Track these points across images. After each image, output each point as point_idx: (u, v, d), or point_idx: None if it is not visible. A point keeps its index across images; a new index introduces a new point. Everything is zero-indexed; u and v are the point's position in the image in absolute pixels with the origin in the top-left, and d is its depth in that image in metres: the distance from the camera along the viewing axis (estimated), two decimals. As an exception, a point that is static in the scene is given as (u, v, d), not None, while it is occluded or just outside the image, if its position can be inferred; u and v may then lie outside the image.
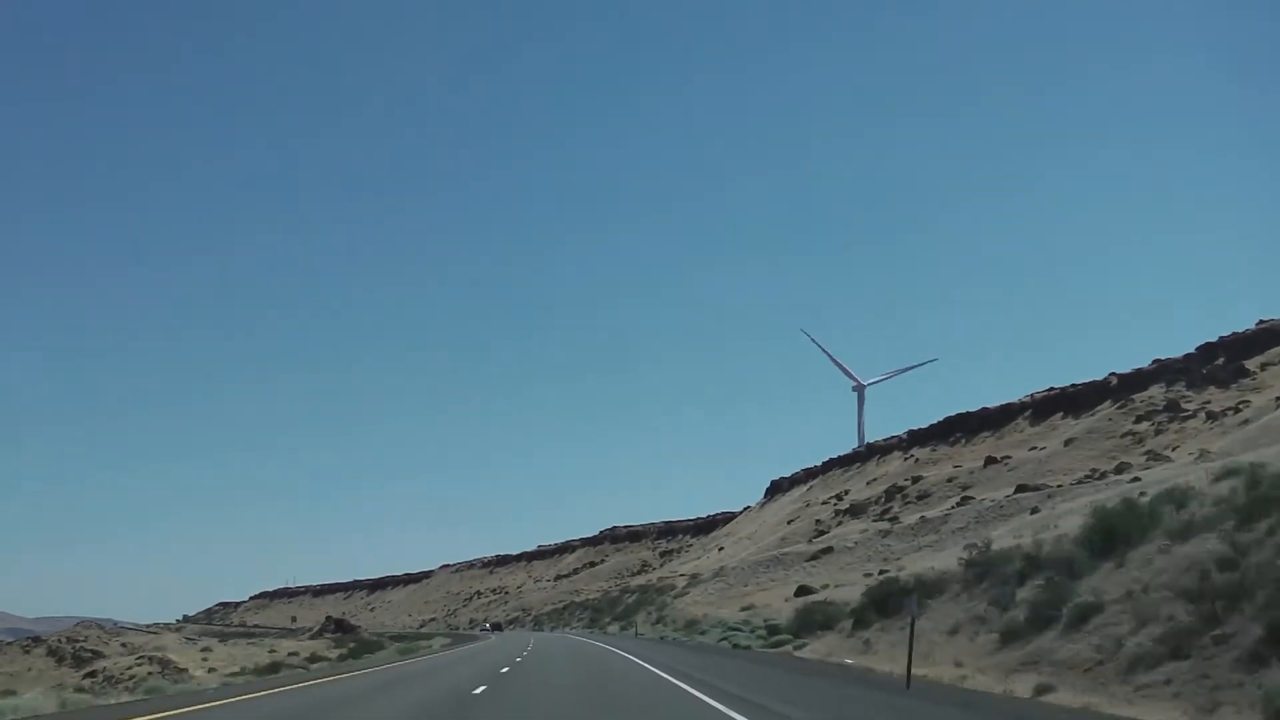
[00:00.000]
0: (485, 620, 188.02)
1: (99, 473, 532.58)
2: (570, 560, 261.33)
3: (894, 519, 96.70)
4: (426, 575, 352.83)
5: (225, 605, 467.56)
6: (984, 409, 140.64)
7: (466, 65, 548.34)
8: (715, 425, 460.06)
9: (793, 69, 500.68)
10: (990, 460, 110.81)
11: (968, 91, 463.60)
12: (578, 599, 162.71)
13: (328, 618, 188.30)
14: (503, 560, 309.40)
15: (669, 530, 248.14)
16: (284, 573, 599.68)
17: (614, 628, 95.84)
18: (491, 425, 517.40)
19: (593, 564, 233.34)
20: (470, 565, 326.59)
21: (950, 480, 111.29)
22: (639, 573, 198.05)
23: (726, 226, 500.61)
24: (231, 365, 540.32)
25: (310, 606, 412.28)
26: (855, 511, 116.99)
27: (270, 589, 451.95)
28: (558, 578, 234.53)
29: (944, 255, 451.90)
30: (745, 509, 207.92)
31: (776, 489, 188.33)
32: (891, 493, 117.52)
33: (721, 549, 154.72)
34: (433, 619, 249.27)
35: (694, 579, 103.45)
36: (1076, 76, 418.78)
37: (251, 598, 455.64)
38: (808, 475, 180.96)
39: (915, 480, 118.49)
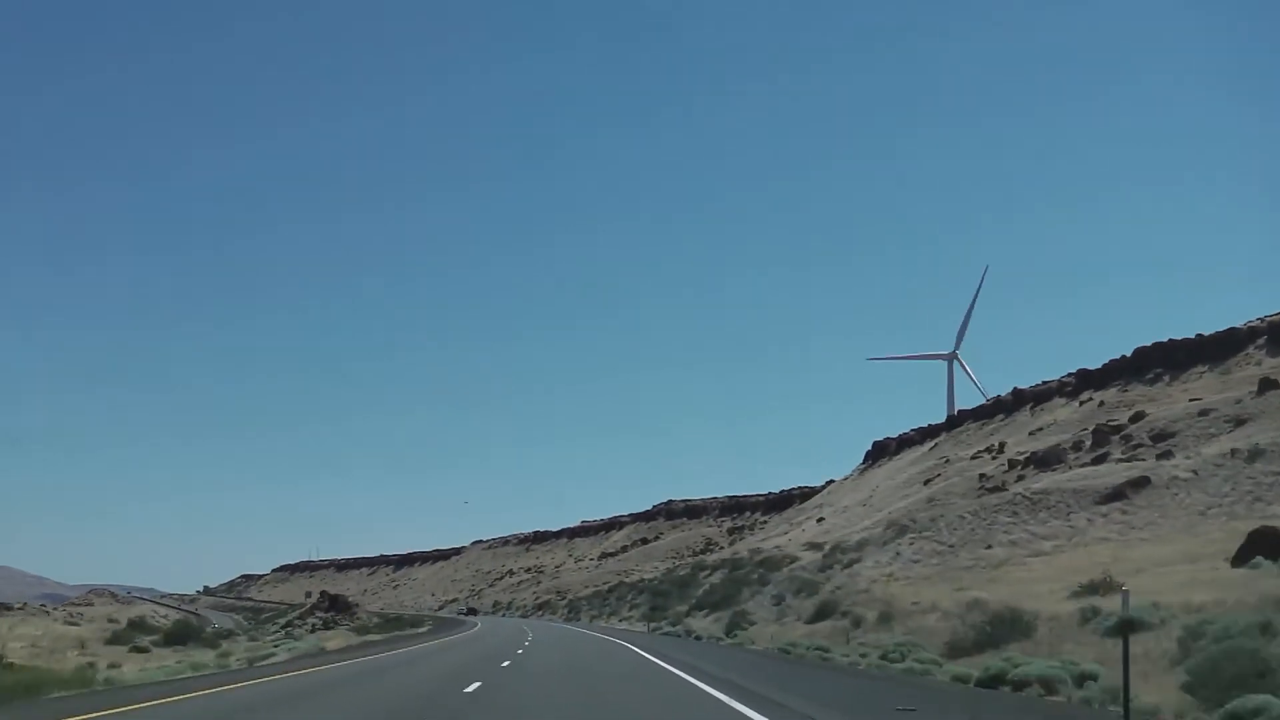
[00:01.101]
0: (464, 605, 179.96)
1: (145, 443, 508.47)
2: (618, 537, 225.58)
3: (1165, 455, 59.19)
4: (456, 552, 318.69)
5: (248, 577, 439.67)
6: (1198, 336, 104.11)
7: (496, 57, 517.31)
8: (763, 407, 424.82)
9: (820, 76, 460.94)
10: (1269, 384, 73.09)
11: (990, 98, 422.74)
12: (628, 579, 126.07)
13: (321, 594, 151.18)
14: (540, 537, 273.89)
15: (735, 506, 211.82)
16: (322, 546, 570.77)
17: (702, 621, 58.54)
18: (534, 401, 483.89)
19: (645, 541, 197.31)
20: (504, 541, 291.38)
21: (1204, 414, 73.77)
22: (704, 551, 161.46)
23: (790, 211, 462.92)
24: (273, 342, 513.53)
25: (331, 581, 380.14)
26: (1045, 461, 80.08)
27: (292, 562, 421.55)
28: (603, 556, 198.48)
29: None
30: (828, 482, 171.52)
31: (881, 451, 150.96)
32: (1103, 434, 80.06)
33: (821, 520, 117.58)
34: (453, 599, 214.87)
35: (837, 548, 66.25)
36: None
37: (273, 570, 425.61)
38: (923, 435, 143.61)
39: (1137, 418, 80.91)
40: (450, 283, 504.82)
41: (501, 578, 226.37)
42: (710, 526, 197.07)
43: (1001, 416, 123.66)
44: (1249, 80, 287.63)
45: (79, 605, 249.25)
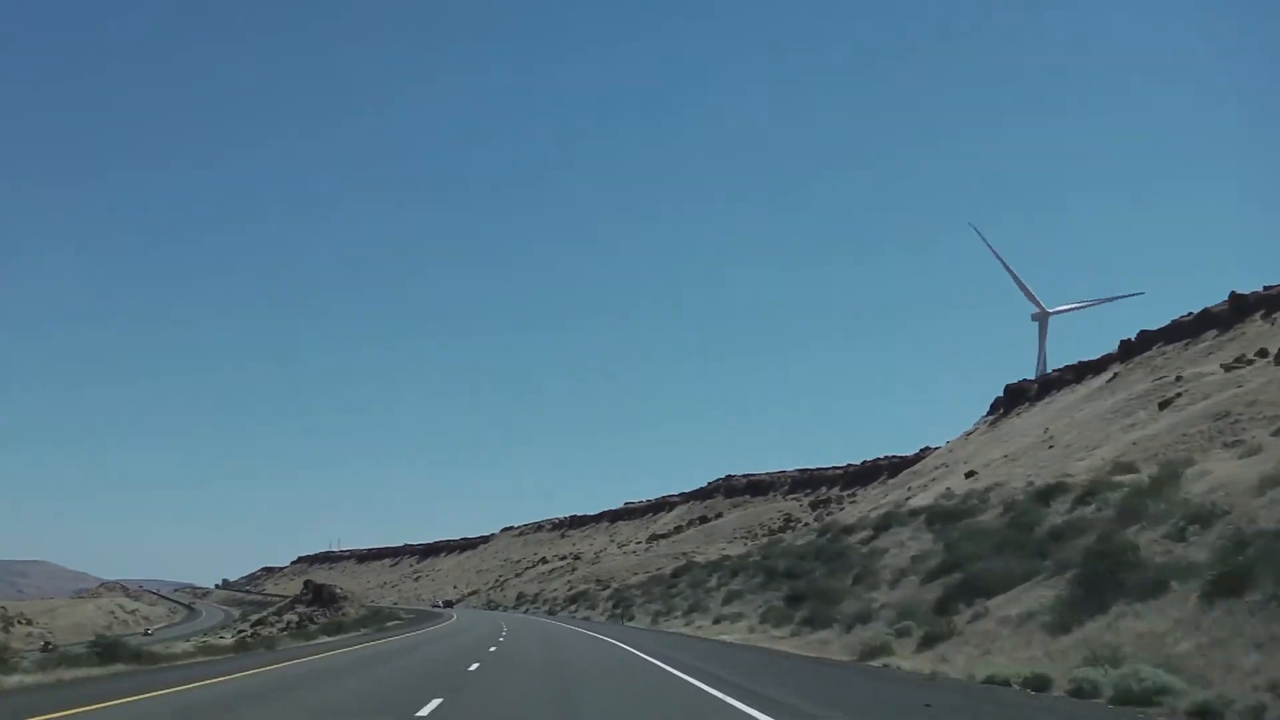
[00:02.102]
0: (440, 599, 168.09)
1: (177, 440, 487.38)
2: (669, 518, 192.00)
3: None
4: (484, 540, 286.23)
5: (269, 570, 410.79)
6: None
7: (500, 61, 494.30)
8: (799, 389, 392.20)
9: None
10: None
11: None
12: (697, 559, 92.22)
13: (305, 584, 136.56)
14: (578, 521, 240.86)
15: (808, 480, 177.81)
16: (348, 537, 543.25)
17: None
18: (565, 387, 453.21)
19: (704, 519, 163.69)
20: (537, 527, 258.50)
21: None
22: (783, 529, 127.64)
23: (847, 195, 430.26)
24: (297, 334, 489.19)
25: (352, 573, 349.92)
26: None
27: (312, 553, 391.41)
28: (653, 538, 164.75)
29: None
30: (940, 446, 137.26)
31: (1018, 397, 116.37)
32: None
33: (972, 474, 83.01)
34: (474, 591, 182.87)
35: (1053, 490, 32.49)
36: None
37: (292, 562, 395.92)
38: (1077, 373, 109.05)
39: None
40: (481, 271, 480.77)
41: (531, 566, 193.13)
42: (784, 501, 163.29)
43: (1215, 332, 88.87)
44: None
45: (86, 599, 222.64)
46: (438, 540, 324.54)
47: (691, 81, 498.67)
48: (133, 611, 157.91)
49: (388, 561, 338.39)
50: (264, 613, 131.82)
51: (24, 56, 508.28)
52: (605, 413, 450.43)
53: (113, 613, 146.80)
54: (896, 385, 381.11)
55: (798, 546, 54.03)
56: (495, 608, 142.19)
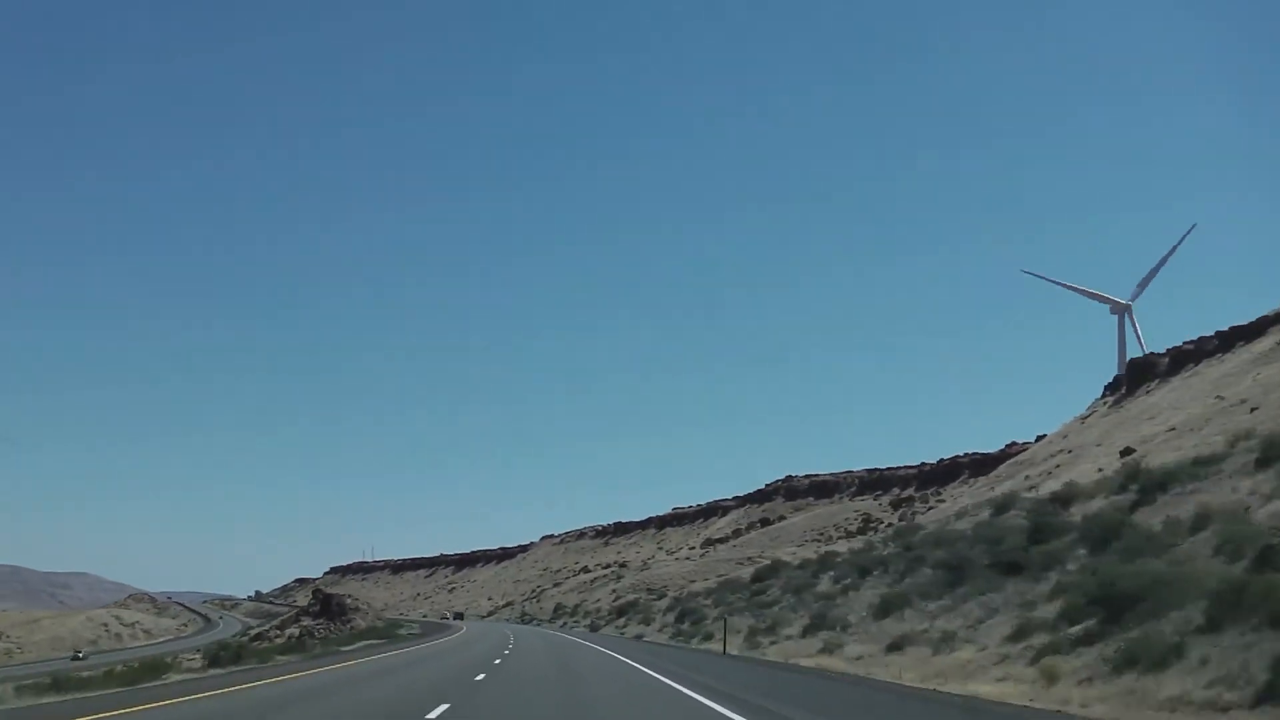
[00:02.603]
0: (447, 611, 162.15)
1: (214, 443, 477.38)
2: (723, 523, 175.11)
3: None
4: (523, 550, 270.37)
5: (302, 581, 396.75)
6: None
7: (506, 67, 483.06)
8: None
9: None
10: None
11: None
12: (769, 558, 75.34)
13: (315, 593, 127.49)
14: (622, 528, 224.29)
15: (879, 481, 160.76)
16: (383, 547, 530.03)
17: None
18: (603, 394, 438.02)
19: (766, 522, 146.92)
20: (578, 535, 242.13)
21: None
22: (862, 530, 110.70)
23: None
24: (340, 342, 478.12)
25: (385, 584, 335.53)
26: None
27: (345, 563, 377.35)
28: (708, 544, 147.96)
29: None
30: (1037, 438, 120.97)
31: (1145, 372, 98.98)
32: None
33: (1130, 451, 65.93)
34: (507, 603, 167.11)
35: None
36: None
37: (325, 573, 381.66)
38: (1223, 340, 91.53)
39: None
40: (523, 275, 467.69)
41: (572, 575, 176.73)
42: (852, 502, 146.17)
43: None
44: None
45: (76, 611, 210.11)
46: (474, 550, 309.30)
47: (745, 83, 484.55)
48: (132, 624, 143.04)
49: (422, 572, 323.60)
50: (267, 625, 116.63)
51: (64, 54, 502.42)
52: (647, 418, 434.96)
53: (105, 625, 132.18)
54: (947, 388, 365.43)
55: (953, 531, 37.25)
56: (529, 621, 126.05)
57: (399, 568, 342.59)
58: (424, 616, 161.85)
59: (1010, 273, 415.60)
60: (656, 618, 64.21)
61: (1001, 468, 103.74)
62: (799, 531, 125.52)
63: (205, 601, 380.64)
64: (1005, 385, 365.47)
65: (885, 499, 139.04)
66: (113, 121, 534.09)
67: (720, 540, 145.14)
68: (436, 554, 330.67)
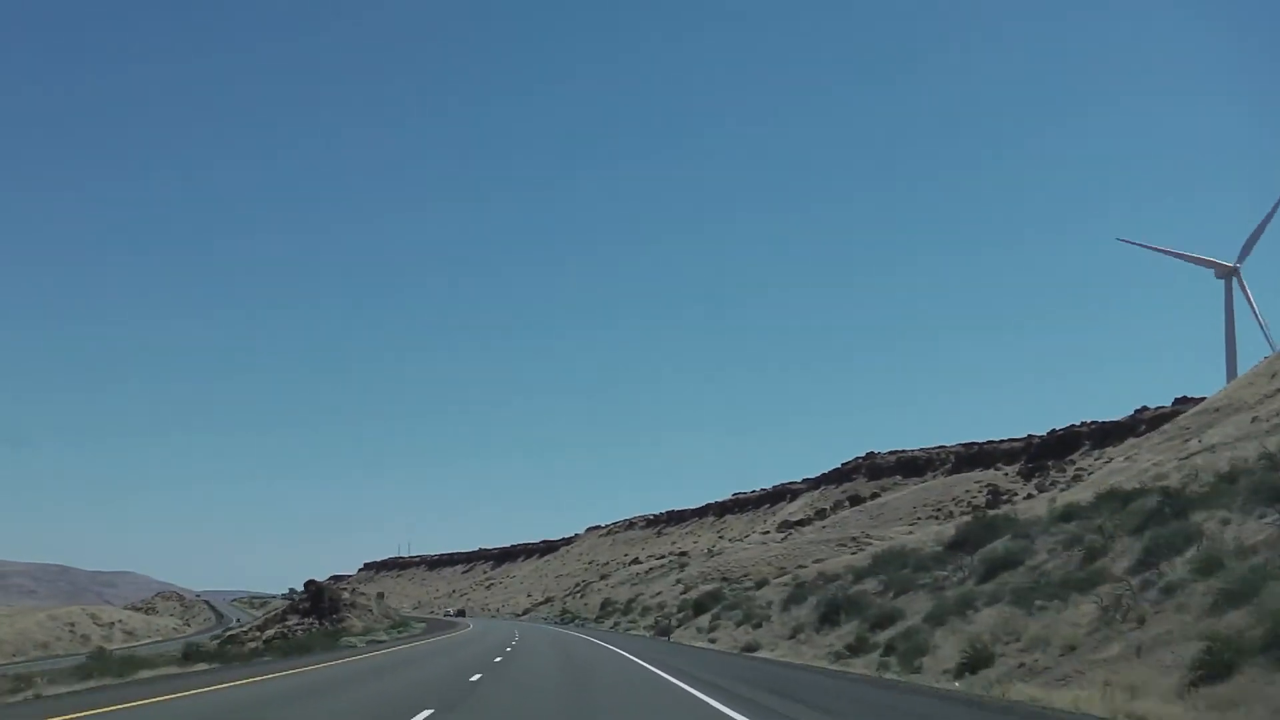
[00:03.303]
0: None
1: (254, 443, 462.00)
2: (795, 506, 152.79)
3: None
4: (567, 542, 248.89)
5: (337, 578, 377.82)
6: None
7: (515, 75, 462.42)
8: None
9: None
10: None
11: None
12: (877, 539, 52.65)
13: (307, 585, 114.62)
14: (677, 517, 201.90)
15: (979, 456, 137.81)
16: (422, 542, 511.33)
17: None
18: (643, 389, 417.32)
19: (856, 500, 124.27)
20: (627, 525, 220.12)
21: None
22: (991, 504, 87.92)
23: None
24: (386, 338, 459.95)
25: (420, 581, 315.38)
26: None
27: (379, 559, 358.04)
28: (785, 527, 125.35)
29: None
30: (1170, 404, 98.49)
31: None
32: None
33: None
34: (547, 599, 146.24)
35: None
36: None
37: (359, 570, 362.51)
38: None
39: None
40: (563, 267, 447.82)
41: (622, 566, 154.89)
42: (958, 476, 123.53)
43: None
44: None
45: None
46: (514, 544, 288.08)
47: (761, 86, 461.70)
48: (110, 624, 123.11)
49: (460, 568, 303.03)
50: (246, 625, 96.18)
51: (71, 51, 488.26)
52: (689, 408, 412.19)
53: (72, 625, 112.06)
54: (1028, 363, 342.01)
55: None
56: (569, 621, 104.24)
57: (435, 563, 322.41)
58: (432, 614, 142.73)
59: (1103, 243, 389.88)
60: (773, 616, 41.48)
61: (1185, 418, 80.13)
62: (909, 508, 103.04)
63: (233, 601, 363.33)
64: (1097, 358, 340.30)
65: (997, 472, 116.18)
66: (135, 122, 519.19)
67: (800, 523, 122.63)
68: (475, 549, 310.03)
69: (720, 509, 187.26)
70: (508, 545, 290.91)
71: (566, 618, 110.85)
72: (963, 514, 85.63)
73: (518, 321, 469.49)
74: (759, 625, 41.25)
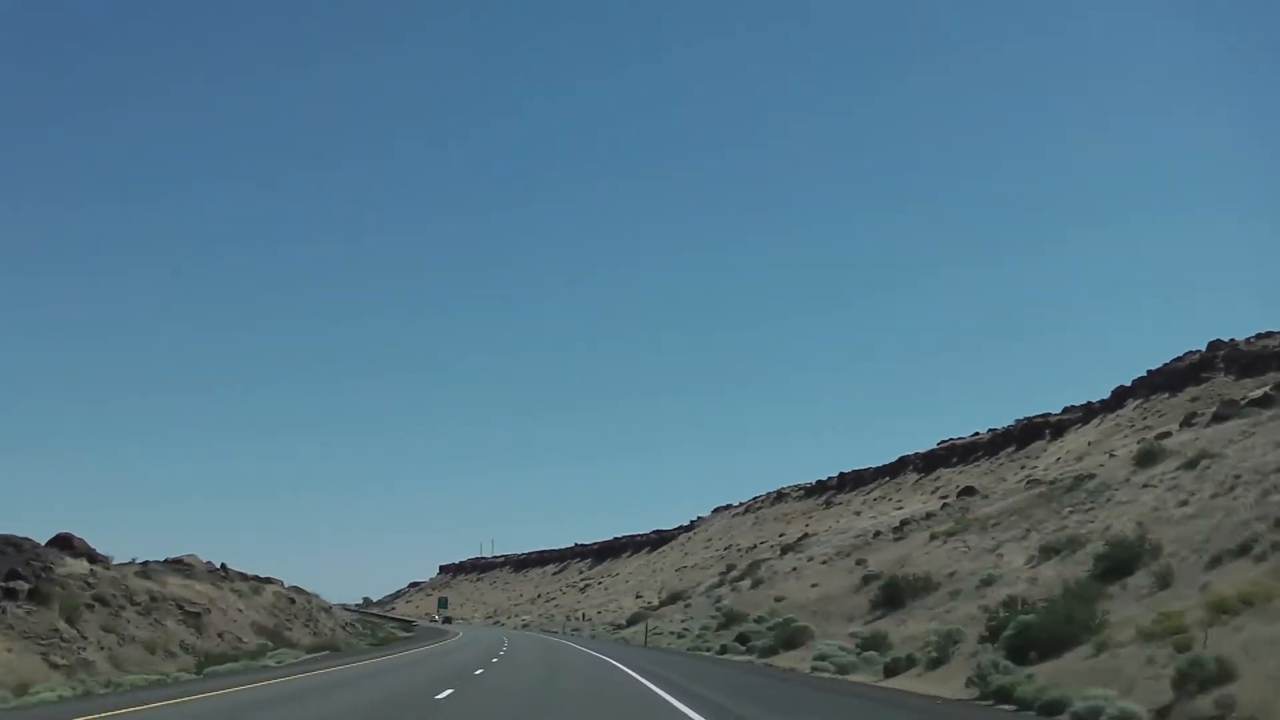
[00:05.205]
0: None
1: (346, 442, 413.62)
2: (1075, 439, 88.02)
3: None
4: (686, 529, 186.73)
5: (415, 585, 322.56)
6: None
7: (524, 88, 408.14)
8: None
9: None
10: None
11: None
12: None
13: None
14: (855, 480, 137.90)
15: None
16: (506, 540, 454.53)
17: None
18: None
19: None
20: (774, 498, 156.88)
21: None
22: None
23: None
24: (489, 338, 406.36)
25: (502, 584, 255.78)
26: None
27: (457, 561, 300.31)
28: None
29: None
30: None
31: None
32: None
33: None
34: (654, 604, 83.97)
35: None
36: None
37: (436, 574, 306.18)
38: None
39: None
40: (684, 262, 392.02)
41: (790, 548, 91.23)
42: None
43: None
44: None
45: None
46: (617, 537, 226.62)
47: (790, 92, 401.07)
48: None
49: (550, 568, 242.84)
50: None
51: (104, 67, 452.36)
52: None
53: None
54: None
55: None
56: (717, 653, 42.91)
57: (521, 564, 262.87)
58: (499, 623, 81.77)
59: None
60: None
61: None
62: None
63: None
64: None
65: None
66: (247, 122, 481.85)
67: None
68: (571, 544, 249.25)
69: (927, 461, 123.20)
70: (607, 539, 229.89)
71: (710, 643, 48.98)
72: None
73: (624, 311, 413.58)
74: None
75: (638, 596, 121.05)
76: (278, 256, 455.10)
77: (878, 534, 75.73)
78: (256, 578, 54.19)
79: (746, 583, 68.17)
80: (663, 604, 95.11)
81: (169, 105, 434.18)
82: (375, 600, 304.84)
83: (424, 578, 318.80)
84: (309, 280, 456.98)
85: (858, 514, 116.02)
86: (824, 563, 70.06)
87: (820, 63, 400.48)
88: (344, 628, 61.02)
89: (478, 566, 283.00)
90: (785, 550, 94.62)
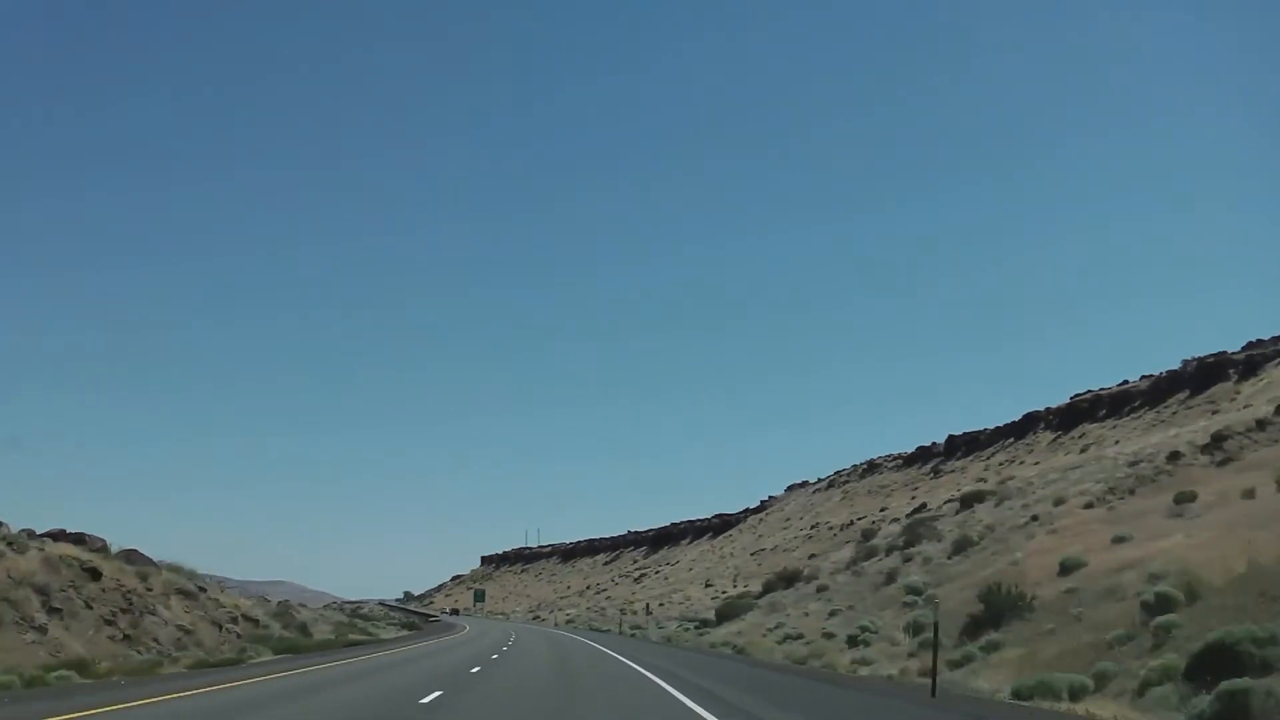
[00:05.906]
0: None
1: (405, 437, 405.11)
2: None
3: None
4: (757, 510, 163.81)
5: (458, 578, 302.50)
6: None
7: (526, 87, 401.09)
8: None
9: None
10: None
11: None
12: None
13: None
14: (969, 442, 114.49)
15: None
16: (553, 529, 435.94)
17: None
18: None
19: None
20: (865, 469, 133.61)
21: None
22: None
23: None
24: (543, 329, 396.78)
25: (548, 576, 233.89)
26: None
27: (500, 551, 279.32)
28: None
29: None
30: None
31: None
32: None
33: None
34: (728, 593, 61.07)
35: None
36: None
37: (477, 565, 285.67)
38: None
39: None
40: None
41: (872, 527, 67.83)
42: None
43: None
44: None
45: None
46: (675, 523, 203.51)
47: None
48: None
49: (601, 557, 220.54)
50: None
51: (96, 67, 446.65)
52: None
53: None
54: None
55: None
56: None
57: (569, 553, 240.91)
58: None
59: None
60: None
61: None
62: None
63: (342, 605, 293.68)
64: None
65: None
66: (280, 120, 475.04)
67: None
68: (624, 531, 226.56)
69: (1065, 417, 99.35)
70: (665, 525, 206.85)
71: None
72: None
73: (687, 300, 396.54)
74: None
75: (707, 585, 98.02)
76: (335, 250, 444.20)
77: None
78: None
79: (930, 547, 44.28)
80: (742, 593, 72.06)
81: (168, 105, 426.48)
82: (416, 595, 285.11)
83: (465, 570, 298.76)
84: (356, 276, 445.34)
85: (978, 477, 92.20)
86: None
87: (853, 57, 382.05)
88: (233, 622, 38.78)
89: (522, 557, 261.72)
90: (911, 514, 70.88)
